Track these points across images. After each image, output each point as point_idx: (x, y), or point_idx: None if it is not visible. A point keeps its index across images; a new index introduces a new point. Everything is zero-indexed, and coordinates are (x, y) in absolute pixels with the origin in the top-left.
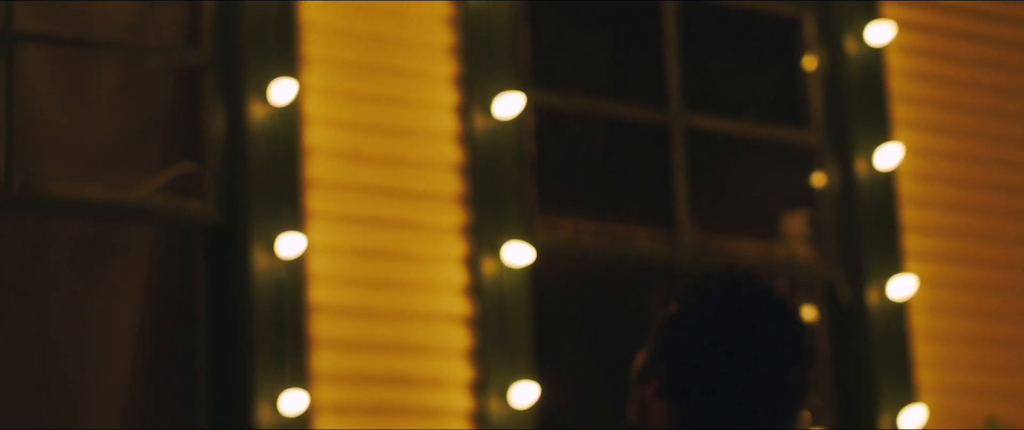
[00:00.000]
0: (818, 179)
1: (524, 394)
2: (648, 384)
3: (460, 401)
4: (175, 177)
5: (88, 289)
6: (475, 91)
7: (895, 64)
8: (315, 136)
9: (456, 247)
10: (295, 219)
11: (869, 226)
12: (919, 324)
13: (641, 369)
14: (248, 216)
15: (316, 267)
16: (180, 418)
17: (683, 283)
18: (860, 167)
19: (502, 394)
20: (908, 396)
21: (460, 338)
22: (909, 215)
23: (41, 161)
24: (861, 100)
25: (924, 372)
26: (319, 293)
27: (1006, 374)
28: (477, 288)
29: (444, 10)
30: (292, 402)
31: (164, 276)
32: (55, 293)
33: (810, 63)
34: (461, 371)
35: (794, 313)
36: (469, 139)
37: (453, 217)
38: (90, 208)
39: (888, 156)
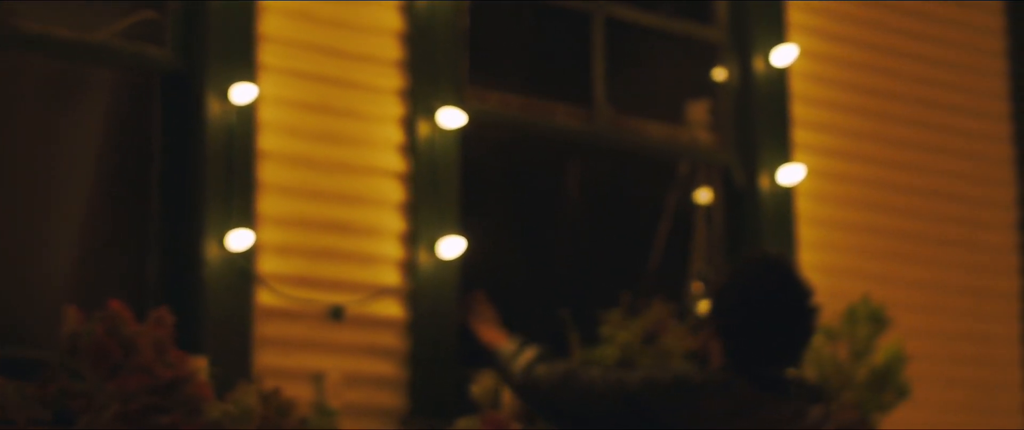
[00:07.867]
0: (719, 73)
1: (451, 247)
2: (708, 328)
3: (392, 250)
4: (137, 22)
5: (53, 122)
6: None
7: None
8: None
9: (394, 108)
10: (248, 70)
11: (763, 118)
12: (804, 209)
13: (704, 319)
14: (204, 64)
15: (266, 116)
16: (133, 248)
17: (732, 263)
18: (758, 64)
19: (430, 246)
20: None
21: (394, 192)
22: (800, 111)
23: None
24: (762, 3)
25: (806, 253)
26: (267, 141)
27: (881, 259)
28: (412, 147)
29: None
30: (238, 240)
31: (123, 116)
32: (23, 123)
33: None
34: (394, 222)
35: (807, 285)
36: (409, 10)
37: (393, 81)
38: (57, 46)
39: (783, 56)
